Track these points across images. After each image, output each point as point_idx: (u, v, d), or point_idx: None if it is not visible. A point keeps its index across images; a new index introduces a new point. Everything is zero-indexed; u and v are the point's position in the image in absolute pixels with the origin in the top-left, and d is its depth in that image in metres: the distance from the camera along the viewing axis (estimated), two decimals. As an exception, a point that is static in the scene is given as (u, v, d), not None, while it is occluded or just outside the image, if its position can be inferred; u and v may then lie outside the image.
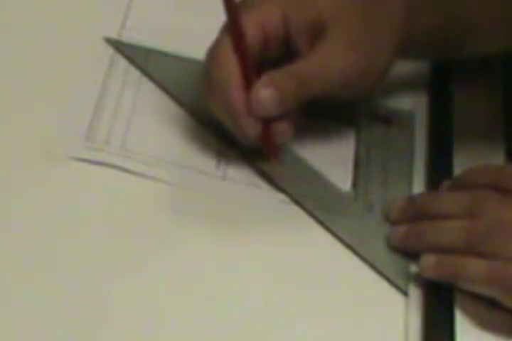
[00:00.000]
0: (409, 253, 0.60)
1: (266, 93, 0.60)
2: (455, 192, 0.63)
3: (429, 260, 0.56)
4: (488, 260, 0.56)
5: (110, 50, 0.68)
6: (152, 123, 0.65)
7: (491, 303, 0.57)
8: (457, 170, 0.65)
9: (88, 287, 0.56)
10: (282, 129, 0.62)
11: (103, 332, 0.56)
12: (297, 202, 0.62)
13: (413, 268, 0.59)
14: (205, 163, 0.63)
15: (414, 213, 0.62)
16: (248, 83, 0.61)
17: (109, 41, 0.69)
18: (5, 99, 0.65)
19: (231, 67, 0.61)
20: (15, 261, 0.57)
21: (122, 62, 0.68)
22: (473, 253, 0.57)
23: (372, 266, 0.59)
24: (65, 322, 0.56)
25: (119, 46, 0.68)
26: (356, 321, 0.57)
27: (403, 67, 0.70)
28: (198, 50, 0.66)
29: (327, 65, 0.62)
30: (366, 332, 0.57)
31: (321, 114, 0.67)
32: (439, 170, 0.65)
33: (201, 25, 0.72)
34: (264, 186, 0.62)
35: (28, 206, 0.59)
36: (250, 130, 0.61)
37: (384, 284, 0.58)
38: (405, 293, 0.57)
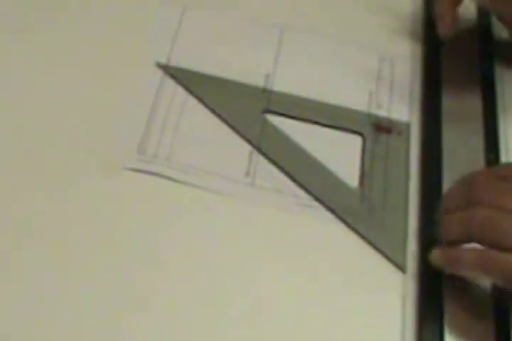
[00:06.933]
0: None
1: None
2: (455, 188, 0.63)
3: (435, 253, 0.60)
4: (485, 248, 0.58)
5: (160, 73, 0.72)
6: (193, 139, 0.68)
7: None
8: (446, 177, 0.68)
9: (134, 293, 0.59)
10: None
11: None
12: (315, 198, 0.65)
13: (411, 248, 0.63)
14: (237, 172, 0.66)
15: None
16: None
17: (159, 65, 0.72)
18: (70, 117, 0.69)
19: None
20: (72, 263, 0.60)
21: (170, 84, 0.71)
22: (474, 241, 0.58)
23: (374, 247, 0.63)
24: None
25: (167, 70, 0.72)
26: (360, 296, 0.60)
27: (401, 88, 0.76)
28: (236, 73, 0.73)
29: None
30: (371, 305, 0.60)
31: (333, 123, 0.71)
32: (429, 177, 0.69)
33: (240, 50, 0.76)
34: (287, 191, 0.65)
35: (87, 209, 0.63)
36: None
37: (385, 263, 0.62)
38: (403, 271, 0.61)
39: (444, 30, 0.75)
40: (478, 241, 0.56)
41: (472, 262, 0.57)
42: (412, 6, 0.83)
